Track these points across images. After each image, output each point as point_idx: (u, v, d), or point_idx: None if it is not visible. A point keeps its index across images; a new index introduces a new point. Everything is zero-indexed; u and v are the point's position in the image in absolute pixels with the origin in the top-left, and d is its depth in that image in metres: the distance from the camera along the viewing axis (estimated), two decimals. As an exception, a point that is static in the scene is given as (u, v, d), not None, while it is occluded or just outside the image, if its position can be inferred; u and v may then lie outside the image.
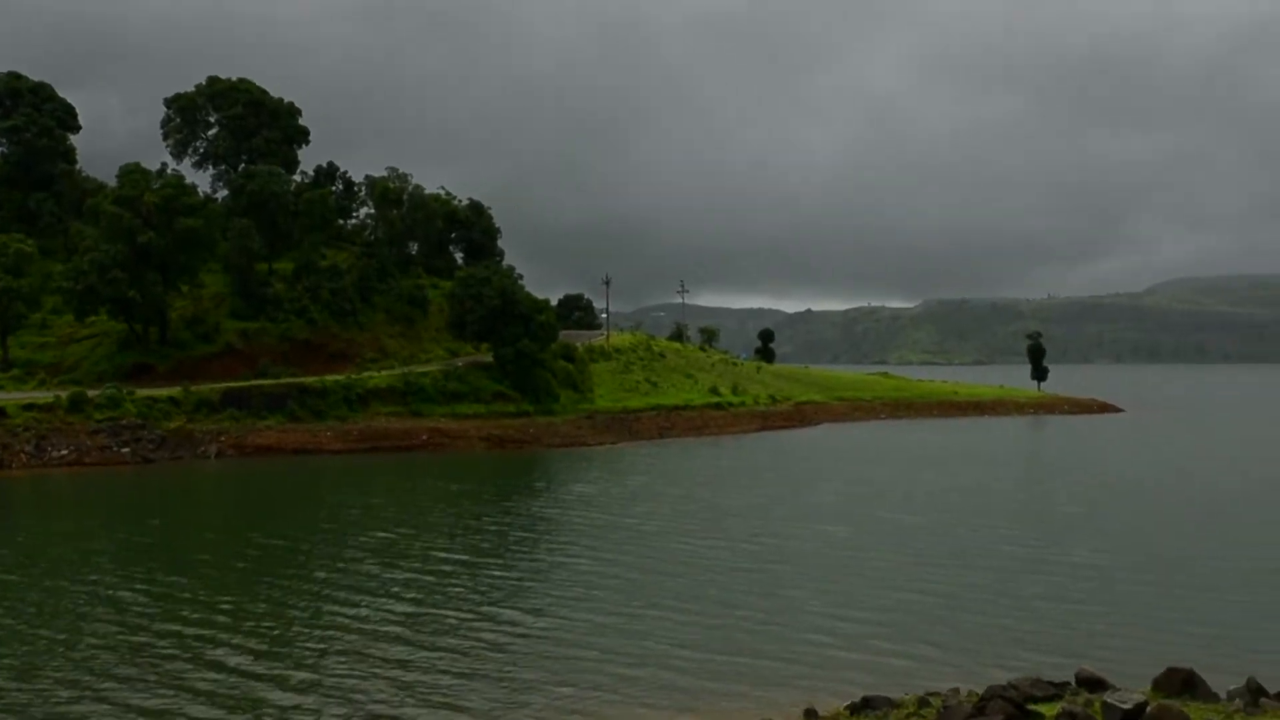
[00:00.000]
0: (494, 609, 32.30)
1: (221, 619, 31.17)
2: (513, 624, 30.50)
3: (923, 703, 21.36)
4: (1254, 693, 21.00)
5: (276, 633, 29.76)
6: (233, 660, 27.01)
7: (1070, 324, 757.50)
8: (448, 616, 31.41)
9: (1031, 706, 20.09)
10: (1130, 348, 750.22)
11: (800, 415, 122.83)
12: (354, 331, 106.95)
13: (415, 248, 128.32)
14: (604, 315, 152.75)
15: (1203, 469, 70.75)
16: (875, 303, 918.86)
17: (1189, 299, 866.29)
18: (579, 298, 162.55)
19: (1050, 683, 21.96)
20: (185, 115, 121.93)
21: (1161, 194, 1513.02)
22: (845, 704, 22.03)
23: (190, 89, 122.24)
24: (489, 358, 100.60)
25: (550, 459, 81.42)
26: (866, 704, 21.64)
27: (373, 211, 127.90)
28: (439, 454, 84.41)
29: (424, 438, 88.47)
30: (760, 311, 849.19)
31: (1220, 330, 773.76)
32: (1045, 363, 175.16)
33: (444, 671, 25.98)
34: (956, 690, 22.26)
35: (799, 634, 29.22)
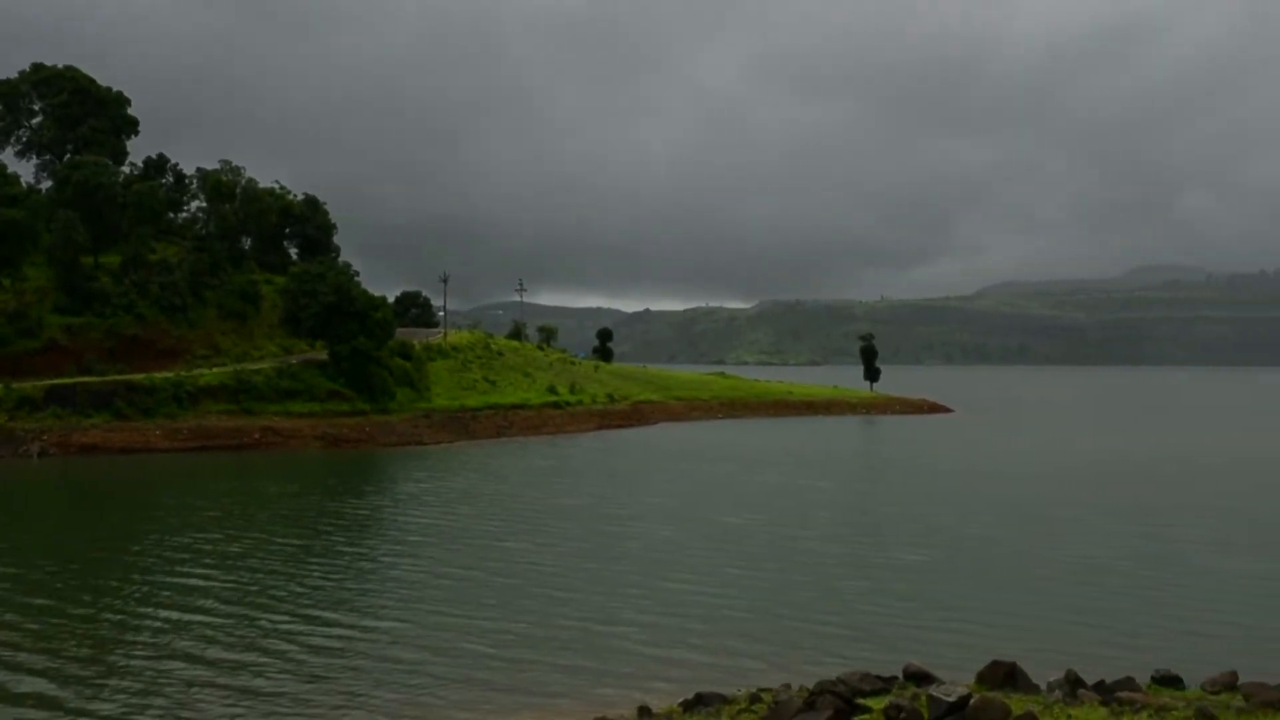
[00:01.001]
0: (315, 612, 31.69)
1: (34, 626, 29.98)
2: (334, 627, 29.97)
3: (754, 699, 21.65)
4: (1072, 684, 21.74)
5: (93, 640, 28.77)
6: (44, 670, 26.05)
7: (902, 326, 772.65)
8: (265, 620, 30.63)
9: (860, 700, 20.49)
10: (960, 349, 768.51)
11: (638, 414, 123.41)
12: (184, 328, 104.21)
13: (249, 243, 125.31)
14: (442, 313, 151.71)
15: (1025, 468, 72.74)
16: (713, 303, 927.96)
17: (1015, 303, 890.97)
18: (416, 295, 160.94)
19: (879, 677, 22.41)
20: (8, 103, 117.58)
21: (990, 200, 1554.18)
22: (679, 701, 22.26)
23: (14, 75, 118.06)
24: (324, 355, 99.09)
25: (385, 458, 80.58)
26: (700, 701, 21.87)
27: (204, 205, 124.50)
28: (272, 453, 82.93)
29: (256, 436, 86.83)
30: (599, 311, 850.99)
31: (1044, 333, 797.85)
32: (877, 364, 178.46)
33: (262, 677, 25.37)
34: (788, 686, 22.60)
35: (630, 633, 29.31)
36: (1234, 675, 22.66)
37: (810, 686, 21.71)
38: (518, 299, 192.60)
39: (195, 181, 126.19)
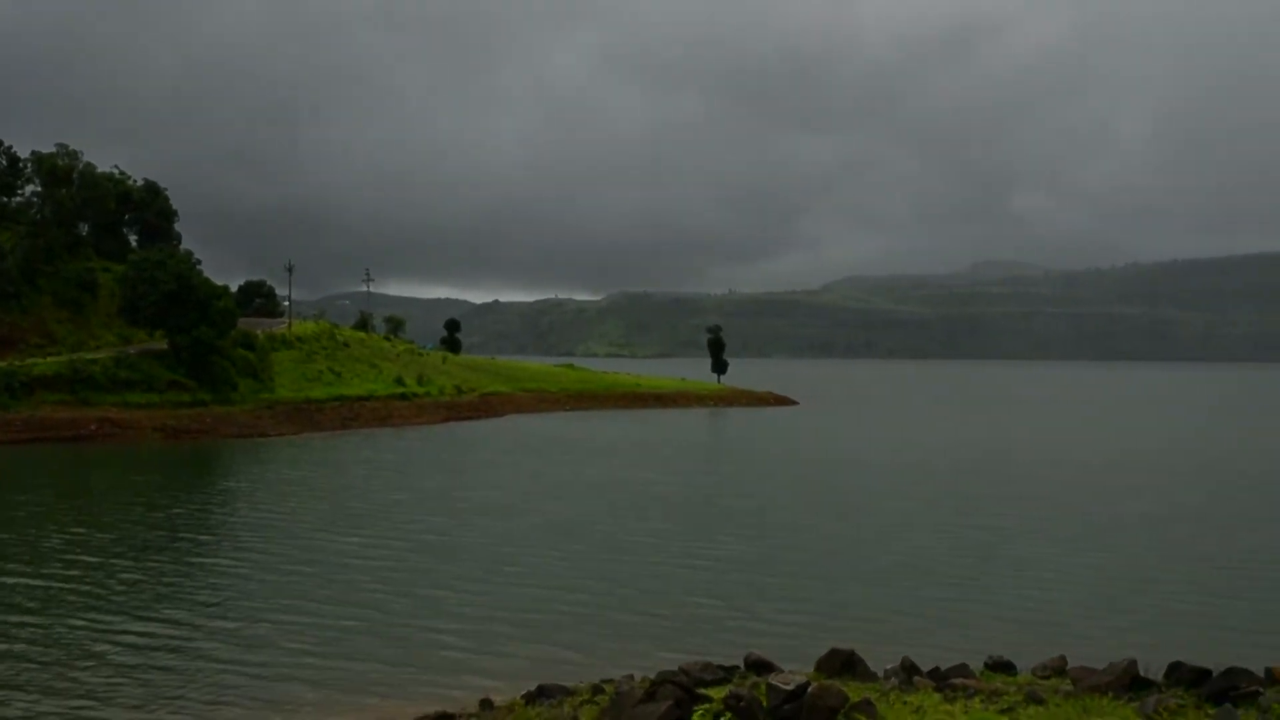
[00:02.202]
0: (128, 609, 30.72)
1: None
2: (147, 624, 29.08)
3: (596, 690, 21.71)
4: (908, 671, 22.20)
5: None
6: None
7: (750, 319, 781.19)
8: (76, 618, 29.55)
9: (701, 690, 20.65)
10: (807, 343, 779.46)
11: (486, 406, 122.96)
12: (17, 316, 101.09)
13: (86, 229, 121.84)
14: (286, 303, 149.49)
15: (863, 459, 74.03)
16: (562, 295, 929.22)
17: (860, 297, 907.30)
18: (261, 284, 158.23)
19: (720, 667, 22.62)
20: None
21: (836, 195, 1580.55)
22: (521, 694, 22.25)
23: None
24: (164, 345, 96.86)
25: (226, 450, 79.00)
26: (541, 693, 21.85)
27: (39, 189, 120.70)
28: (109, 445, 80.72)
29: (93, 428, 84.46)
30: (448, 301, 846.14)
31: (888, 327, 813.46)
32: (725, 356, 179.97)
33: (66, 677, 24.48)
34: (630, 677, 22.67)
35: (467, 628, 29.06)
36: (1063, 660, 23.33)
37: (652, 677, 21.88)
38: (365, 289, 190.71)
39: (30, 165, 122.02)
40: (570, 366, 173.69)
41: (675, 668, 22.11)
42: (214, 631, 28.56)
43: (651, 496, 55.22)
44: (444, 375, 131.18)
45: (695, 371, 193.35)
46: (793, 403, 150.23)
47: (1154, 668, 21.61)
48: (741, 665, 23.05)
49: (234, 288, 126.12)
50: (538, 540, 42.42)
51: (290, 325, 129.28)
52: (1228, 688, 20.07)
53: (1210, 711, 19.20)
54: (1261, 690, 19.90)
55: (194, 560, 38.44)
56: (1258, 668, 21.62)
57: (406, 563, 37.91)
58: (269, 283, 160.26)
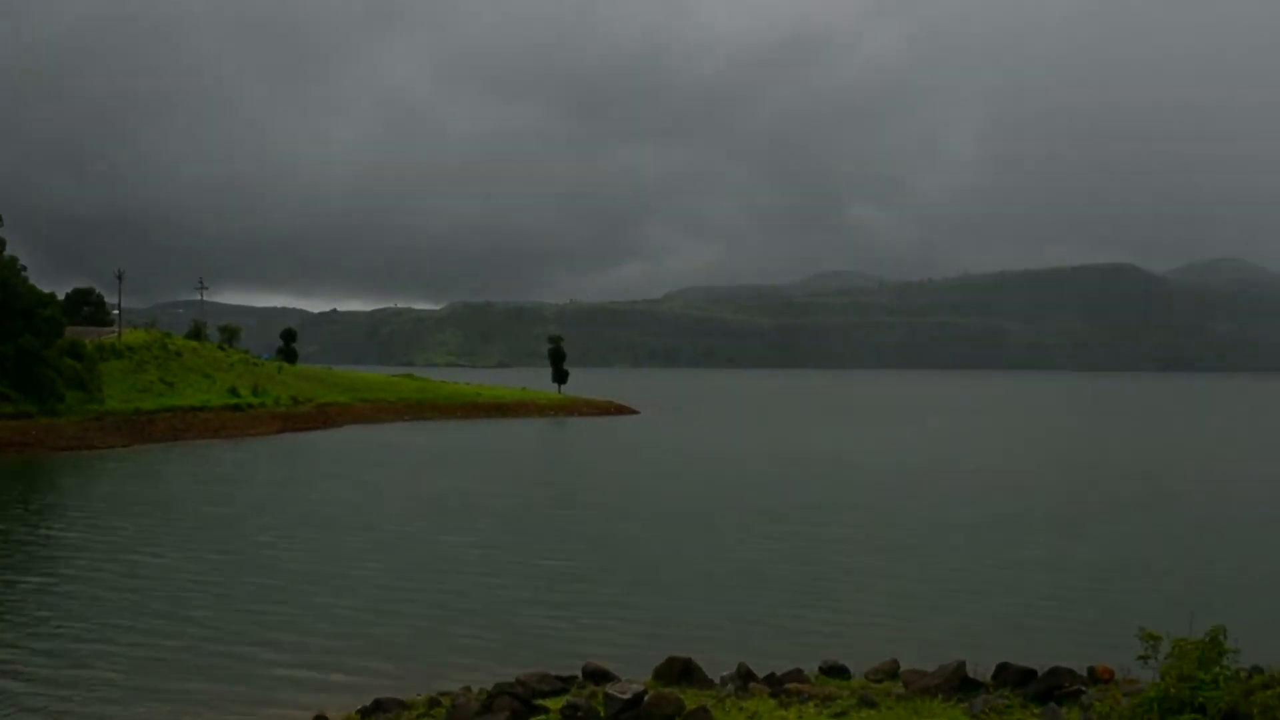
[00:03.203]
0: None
1: None
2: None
3: (433, 703, 21.48)
4: (744, 677, 22.41)
5: None
6: None
7: (591, 328, 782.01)
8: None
9: (538, 701, 20.60)
10: (647, 352, 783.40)
11: (323, 417, 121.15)
12: None
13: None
14: (116, 311, 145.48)
15: (699, 469, 74.48)
16: (402, 304, 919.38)
17: (701, 307, 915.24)
18: (89, 292, 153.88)
19: (557, 677, 22.58)
20: None
21: (676, 205, 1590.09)
22: (356, 708, 21.91)
23: None
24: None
25: (50, 463, 76.48)
26: (378, 707, 21.53)
27: None
28: (-78, 459, 77.69)
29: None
30: (285, 310, 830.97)
31: (728, 337, 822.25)
32: (566, 366, 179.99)
33: None
34: (467, 689, 22.50)
35: (298, 643, 28.51)
36: (895, 663, 23.77)
37: (489, 689, 21.73)
38: (198, 297, 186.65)
39: None
40: (409, 376, 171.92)
41: (512, 679, 22.03)
42: (30, 653, 27.52)
43: (487, 508, 54.67)
44: (280, 385, 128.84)
45: (536, 381, 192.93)
46: (634, 412, 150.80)
47: (982, 669, 22.10)
48: (579, 675, 23.02)
49: (61, 295, 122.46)
50: (369, 553, 41.70)
51: (120, 334, 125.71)
52: (1052, 687, 20.64)
53: (1036, 710, 19.72)
54: (1084, 688, 20.50)
55: (8, 579, 36.88)
56: (1080, 667, 22.26)
57: (233, 579, 36.87)
58: (98, 290, 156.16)
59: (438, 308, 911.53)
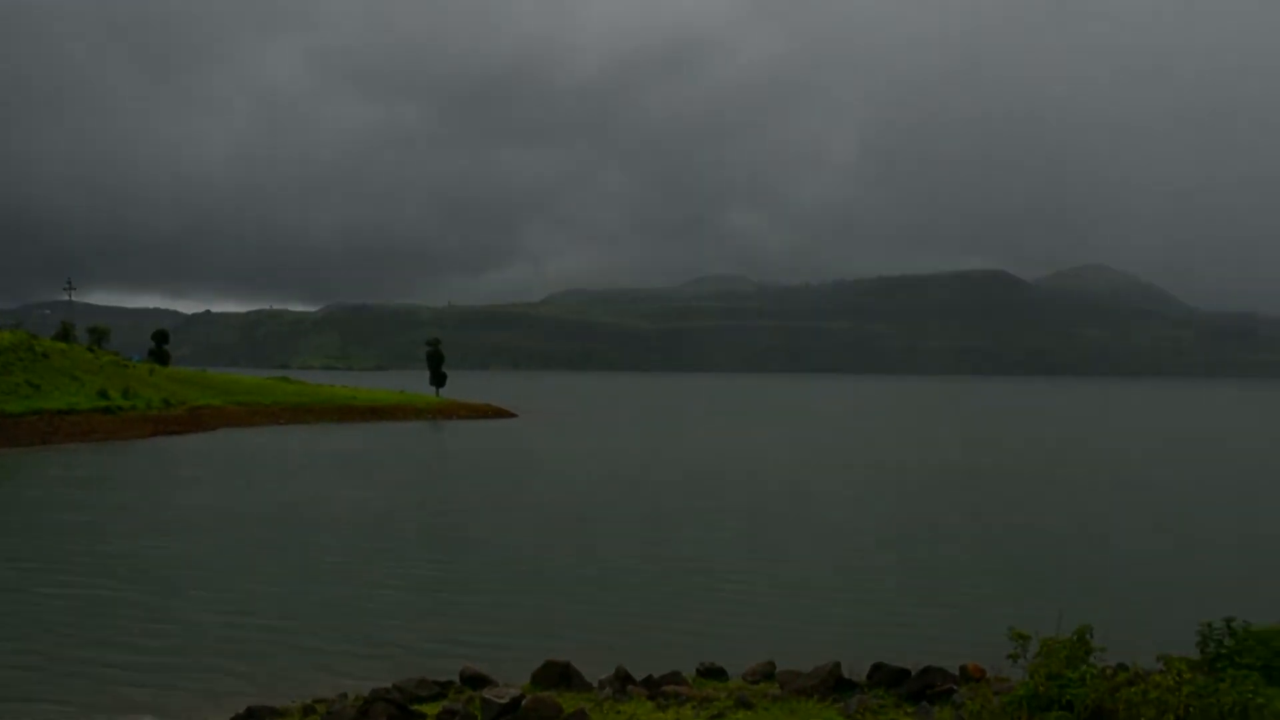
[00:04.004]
0: None
1: None
2: None
3: (308, 710, 21.21)
4: (622, 680, 22.44)
5: None
6: None
7: (470, 331, 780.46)
8: None
9: (415, 707, 20.44)
10: (527, 355, 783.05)
11: (196, 420, 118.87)
12: None
13: None
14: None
15: (578, 472, 74.42)
16: (277, 306, 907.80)
17: (579, 310, 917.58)
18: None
19: (435, 682, 22.42)
20: None
21: (556, 208, 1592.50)
22: (228, 718, 21.54)
23: None
24: None
25: (-91, 468, 74.29)
26: (251, 715, 21.15)
27: None
28: None
29: None
30: (157, 312, 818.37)
31: (608, 340, 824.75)
32: (445, 369, 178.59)
33: None
34: (344, 695, 22.25)
35: (163, 650, 27.91)
36: (771, 665, 23.97)
37: (365, 694, 21.52)
38: (67, 298, 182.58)
39: None
40: (285, 379, 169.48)
41: (389, 685, 21.83)
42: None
43: (360, 512, 53.61)
44: (151, 388, 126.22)
45: (414, 384, 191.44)
46: (512, 415, 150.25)
47: (857, 669, 22.37)
48: (457, 680, 22.90)
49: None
50: (238, 559, 40.81)
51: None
52: (925, 686, 20.98)
53: (909, 710, 20.03)
54: (956, 687, 20.86)
55: None
56: (953, 666, 22.63)
57: (92, 586, 35.85)
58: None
59: (314, 310, 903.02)
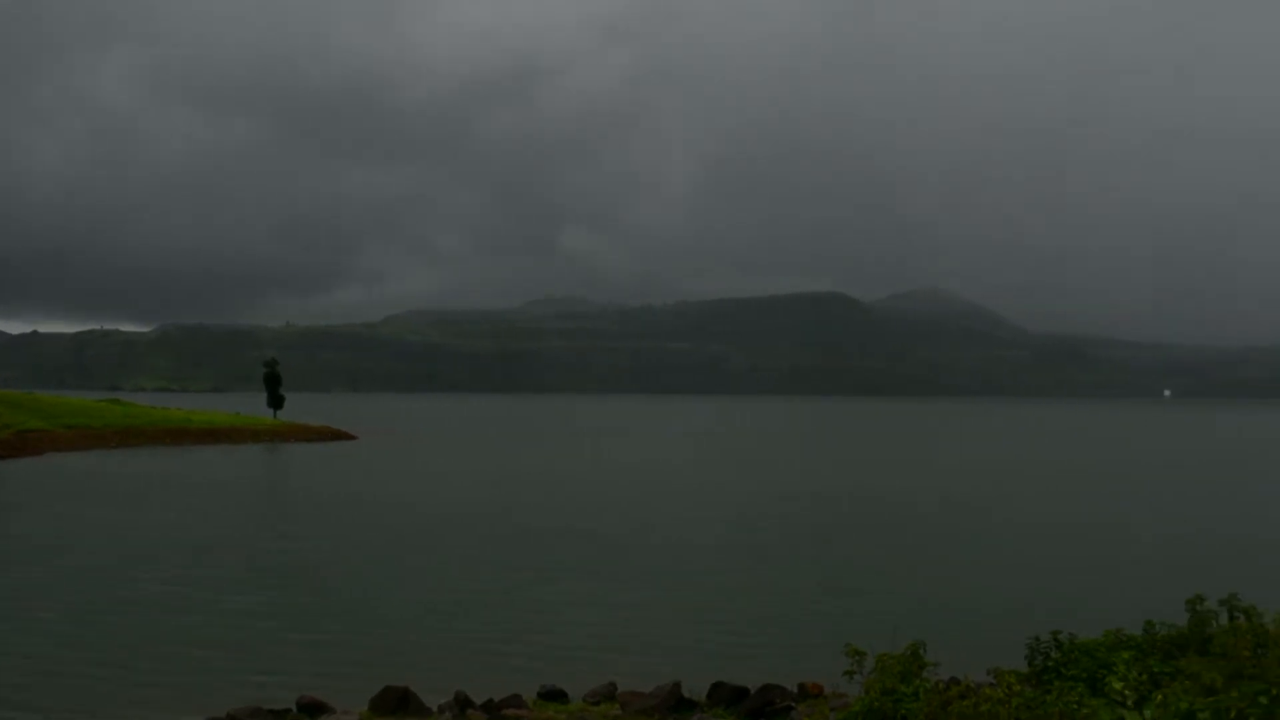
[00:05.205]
0: None
1: None
2: None
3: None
4: (461, 704, 22.26)
5: None
6: None
7: (309, 352, 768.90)
8: None
9: (248, 736, 20.08)
10: (367, 376, 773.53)
11: (22, 444, 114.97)
12: None
13: None
14: None
15: (416, 495, 73.46)
16: (109, 326, 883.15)
17: (421, 331, 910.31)
18: None
19: (270, 711, 22.01)
20: None
21: (397, 228, 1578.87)
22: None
23: None
24: None
25: None
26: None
27: None
28: None
29: None
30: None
31: (449, 361, 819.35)
32: (283, 390, 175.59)
33: None
34: (174, 725, 21.76)
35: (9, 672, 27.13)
36: (613, 686, 23.99)
37: (197, 725, 21.05)
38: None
39: None
40: (116, 401, 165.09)
41: (223, 714, 21.37)
42: None
43: (188, 540, 51.93)
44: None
45: (251, 406, 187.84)
46: (352, 437, 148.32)
47: (698, 689, 22.51)
48: (294, 708, 22.50)
49: None
50: (55, 589, 39.27)
51: None
52: (764, 704, 21.19)
53: (748, 728, 20.22)
54: (794, 705, 21.11)
55: None
56: (791, 684, 22.90)
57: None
58: None
59: (148, 330, 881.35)
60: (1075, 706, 13.25)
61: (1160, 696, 13.03)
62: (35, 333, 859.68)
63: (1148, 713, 12.43)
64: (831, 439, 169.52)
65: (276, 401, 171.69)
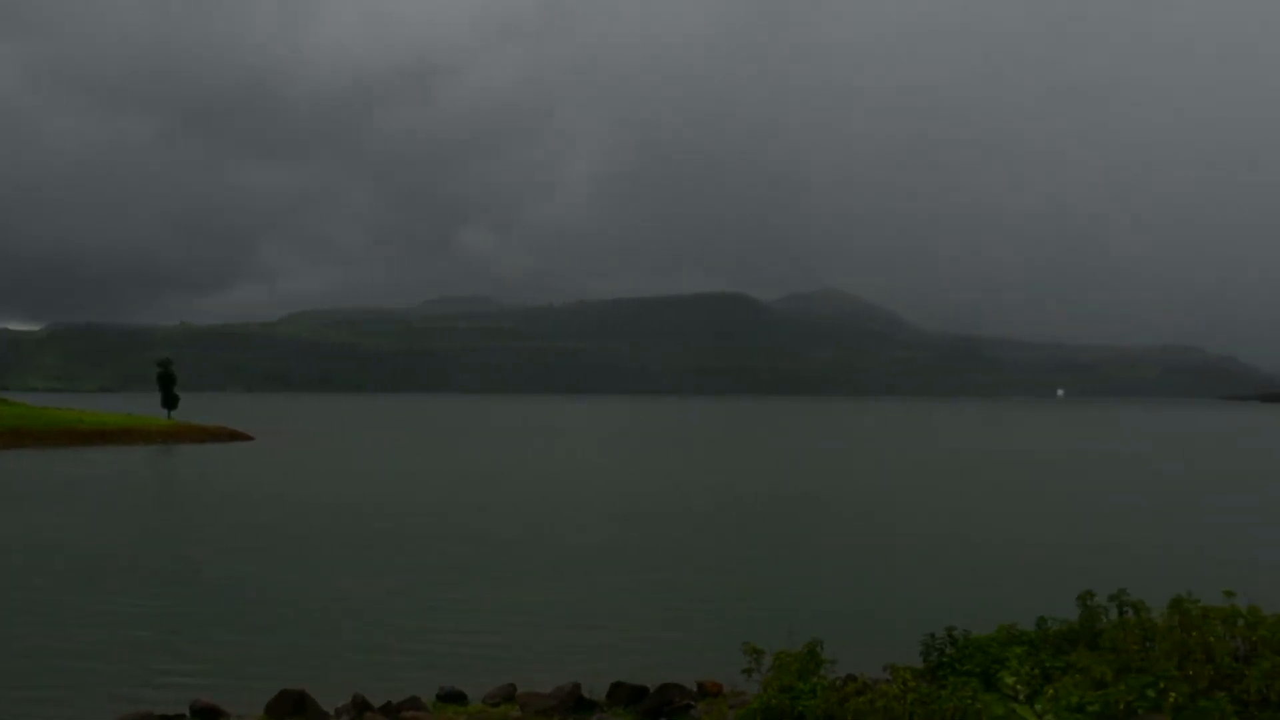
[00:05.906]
0: None
1: None
2: None
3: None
4: (359, 707, 22.06)
5: None
6: None
7: (203, 352, 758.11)
8: None
9: (139, 743, 19.76)
10: (263, 376, 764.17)
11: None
12: None
13: None
14: None
15: (311, 497, 72.52)
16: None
17: (318, 330, 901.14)
18: None
19: (162, 716, 21.70)
20: None
21: (292, 226, 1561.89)
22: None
23: None
24: None
25: None
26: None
27: None
28: None
29: None
30: None
31: (347, 360, 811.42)
32: (177, 390, 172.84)
33: None
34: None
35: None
36: (512, 687, 23.91)
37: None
38: None
39: None
40: (4, 401, 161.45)
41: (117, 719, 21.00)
42: None
43: (77, 545, 50.98)
44: None
45: (145, 407, 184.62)
46: (248, 438, 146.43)
47: (598, 689, 22.50)
48: (186, 713, 22.19)
49: None
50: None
51: None
52: (663, 703, 21.24)
53: (647, 727, 20.25)
54: (693, 703, 21.18)
55: None
56: (691, 683, 22.97)
57: None
58: None
59: (37, 328, 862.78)
60: (969, 701, 13.41)
61: (1051, 690, 13.23)
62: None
63: (1039, 706, 12.60)
64: (730, 439, 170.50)
65: (170, 402, 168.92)
